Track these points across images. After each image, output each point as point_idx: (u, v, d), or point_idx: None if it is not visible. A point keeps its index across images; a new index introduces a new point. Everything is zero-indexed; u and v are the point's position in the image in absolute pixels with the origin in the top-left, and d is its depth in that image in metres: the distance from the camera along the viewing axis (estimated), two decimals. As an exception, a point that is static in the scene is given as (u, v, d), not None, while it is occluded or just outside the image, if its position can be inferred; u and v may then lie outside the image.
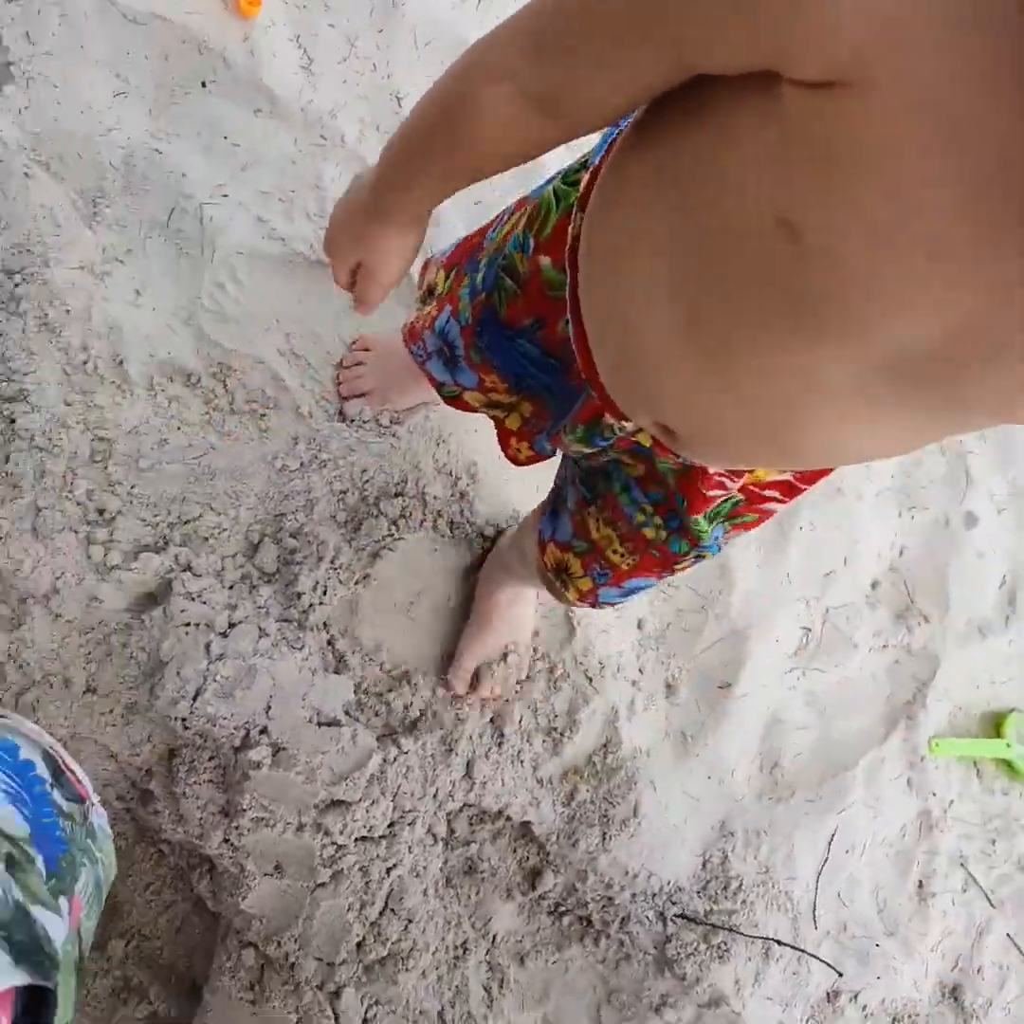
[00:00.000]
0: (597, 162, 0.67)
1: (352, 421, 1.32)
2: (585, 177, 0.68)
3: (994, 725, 1.69)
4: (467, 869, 1.32)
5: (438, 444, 1.36)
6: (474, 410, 0.99)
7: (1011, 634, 1.70)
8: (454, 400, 0.99)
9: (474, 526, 1.38)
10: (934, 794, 1.60)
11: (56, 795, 0.81)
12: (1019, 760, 1.67)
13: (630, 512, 0.92)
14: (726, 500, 0.84)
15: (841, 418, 0.55)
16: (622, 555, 0.97)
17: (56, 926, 0.66)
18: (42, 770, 0.82)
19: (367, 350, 1.31)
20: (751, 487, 0.84)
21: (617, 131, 0.68)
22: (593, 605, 1.10)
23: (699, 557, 0.95)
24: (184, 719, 1.16)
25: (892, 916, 1.56)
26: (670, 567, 0.95)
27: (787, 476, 0.83)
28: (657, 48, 0.46)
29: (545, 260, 0.75)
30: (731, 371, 0.56)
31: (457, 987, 1.27)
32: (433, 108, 0.63)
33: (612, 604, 1.08)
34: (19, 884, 0.65)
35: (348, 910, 1.15)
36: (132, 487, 1.22)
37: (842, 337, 0.47)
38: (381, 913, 1.18)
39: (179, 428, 1.27)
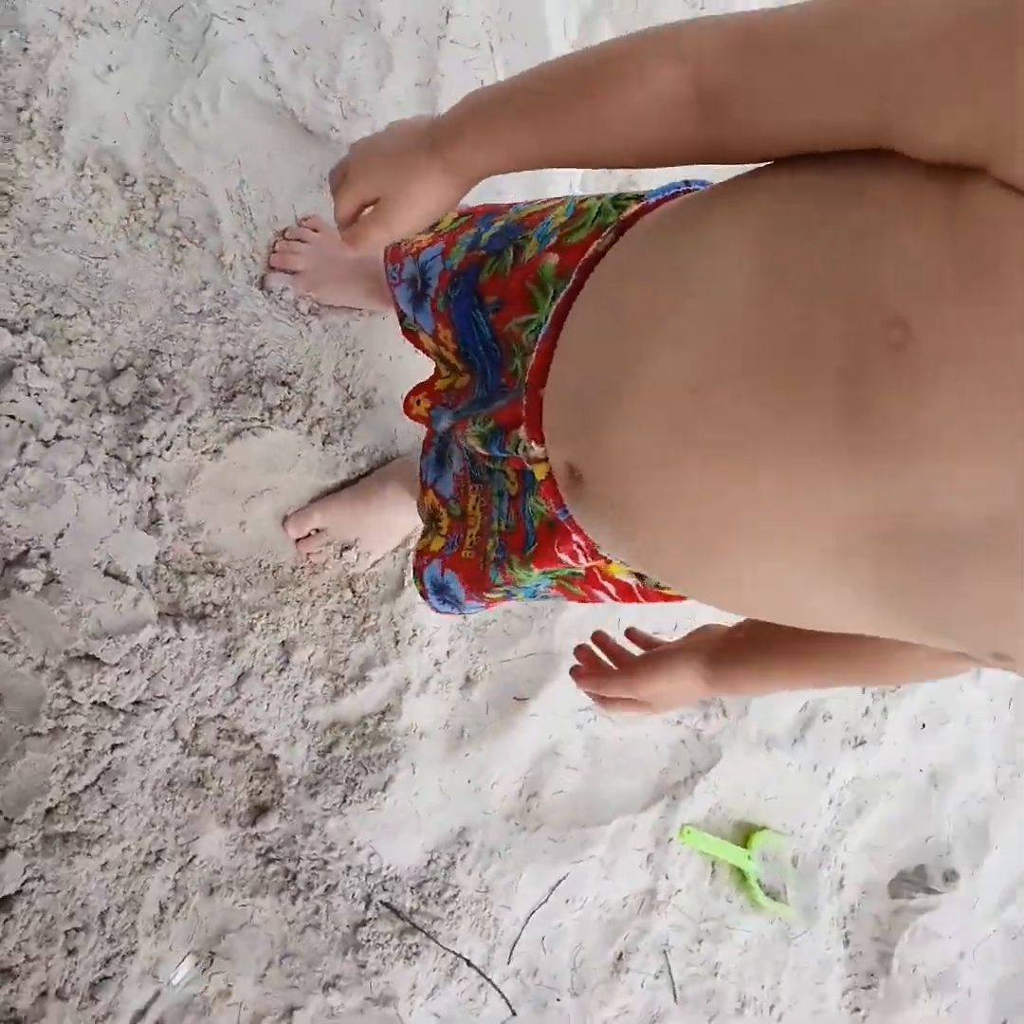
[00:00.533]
0: (653, 201, 0.66)
1: (270, 293, 1.24)
2: (635, 207, 0.67)
3: (744, 835, 1.74)
4: (195, 780, 1.24)
5: (347, 355, 1.29)
6: (426, 354, 0.98)
7: (792, 758, 1.75)
8: (411, 334, 0.98)
9: (348, 451, 1.31)
10: (667, 877, 1.62)
11: None
12: (753, 875, 1.71)
13: (494, 515, 0.91)
14: (567, 567, 0.82)
15: (787, 571, 0.50)
16: (471, 546, 0.96)
17: None
18: None
19: (316, 231, 1.24)
20: (596, 571, 0.83)
21: (686, 186, 0.67)
22: (417, 572, 1.06)
23: (509, 595, 0.94)
24: (-36, 511, 1.05)
25: (582, 977, 1.57)
26: (479, 591, 0.94)
27: (634, 582, 0.81)
28: (866, 98, 0.42)
29: (552, 259, 0.73)
30: (700, 466, 0.50)
31: (133, 894, 1.19)
32: (569, 67, 0.59)
33: (423, 589, 1.04)
34: None
35: (54, 770, 1.05)
36: (15, 256, 1.11)
37: (879, 473, 0.42)
38: (87, 787, 1.09)
39: (91, 221, 1.16)
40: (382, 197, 0.70)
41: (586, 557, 0.77)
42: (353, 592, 1.34)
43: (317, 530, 1.28)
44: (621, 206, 0.70)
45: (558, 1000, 1.53)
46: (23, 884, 1.05)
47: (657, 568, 0.65)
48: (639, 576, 0.80)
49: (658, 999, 1.64)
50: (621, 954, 1.61)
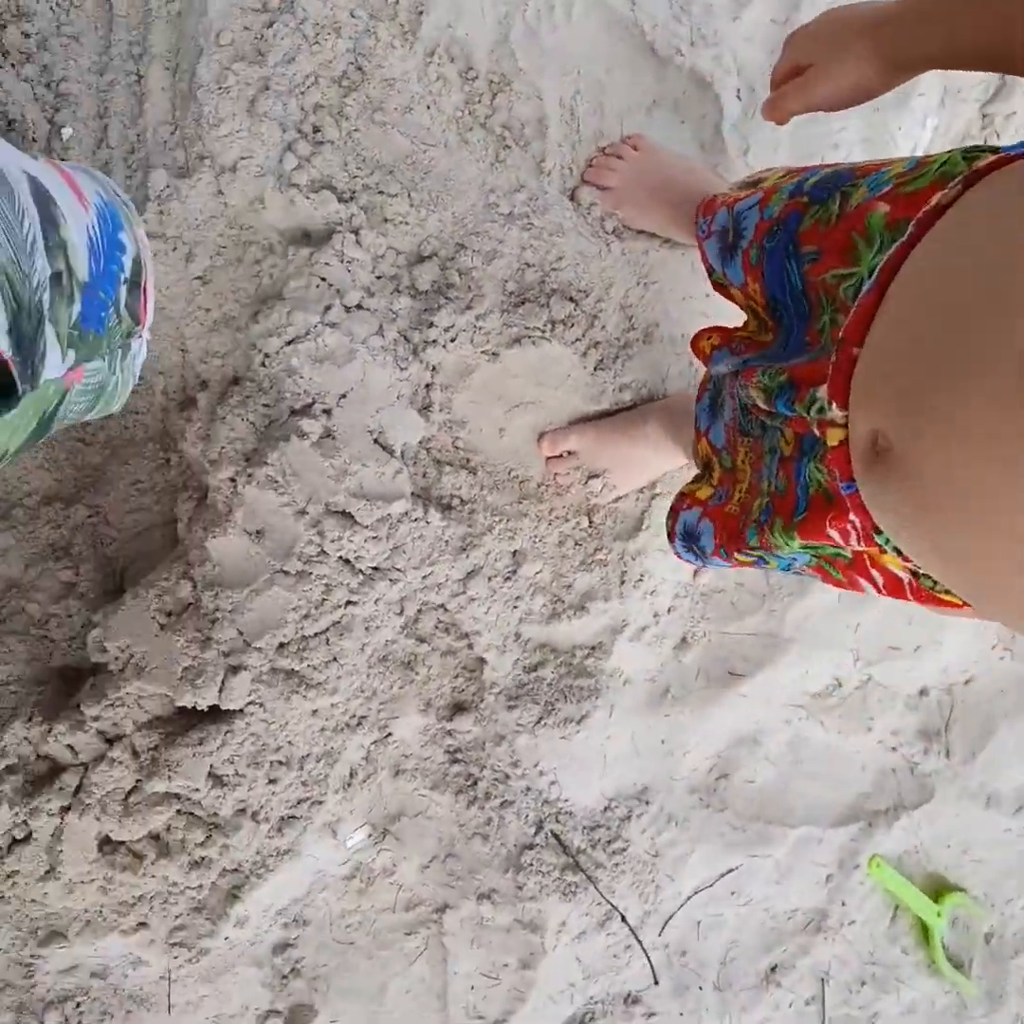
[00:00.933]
0: (1013, 154, 0.59)
1: (579, 206, 1.24)
2: (990, 158, 0.60)
3: (936, 890, 1.59)
4: (407, 661, 1.28)
5: (639, 283, 1.28)
6: (739, 307, 0.96)
7: (1012, 824, 1.58)
8: (721, 287, 0.96)
9: (617, 380, 1.30)
10: (843, 904, 1.52)
11: (123, 293, 0.78)
12: (939, 934, 1.57)
13: (764, 474, 0.86)
14: (833, 546, 0.75)
15: None
16: (737, 502, 0.93)
17: (53, 361, 0.62)
18: (127, 264, 0.79)
19: (636, 150, 1.22)
20: (866, 557, 0.75)
21: None
22: (674, 512, 1.04)
23: (761, 562, 0.89)
24: (268, 355, 1.13)
25: (730, 975, 1.50)
26: (735, 546, 0.90)
27: (906, 578, 0.73)
28: None
29: (882, 208, 0.67)
30: None
31: (332, 749, 1.25)
32: None
33: (672, 530, 1.03)
34: (51, 303, 0.61)
35: (293, 609, 1.12)
36: (356, 130, 1.17)
37: None
38: (317, 634, 1.15)
39: (429, 108, 1.20)
40: (812, 66, 0.72)
41: (859, 540, 0.70)
42: (590, 522, 1.33)
43: (570, 453, 1.28)
44: (972, 158, 0.63)
45: (700, 988, 1.47)
46: (246, 705, 1.12)
47: (959, 573, 0.57)
48: (914, 573, 0.71)
49: (804, 1026, 1.55)
50: (775, 966, 1.52)
